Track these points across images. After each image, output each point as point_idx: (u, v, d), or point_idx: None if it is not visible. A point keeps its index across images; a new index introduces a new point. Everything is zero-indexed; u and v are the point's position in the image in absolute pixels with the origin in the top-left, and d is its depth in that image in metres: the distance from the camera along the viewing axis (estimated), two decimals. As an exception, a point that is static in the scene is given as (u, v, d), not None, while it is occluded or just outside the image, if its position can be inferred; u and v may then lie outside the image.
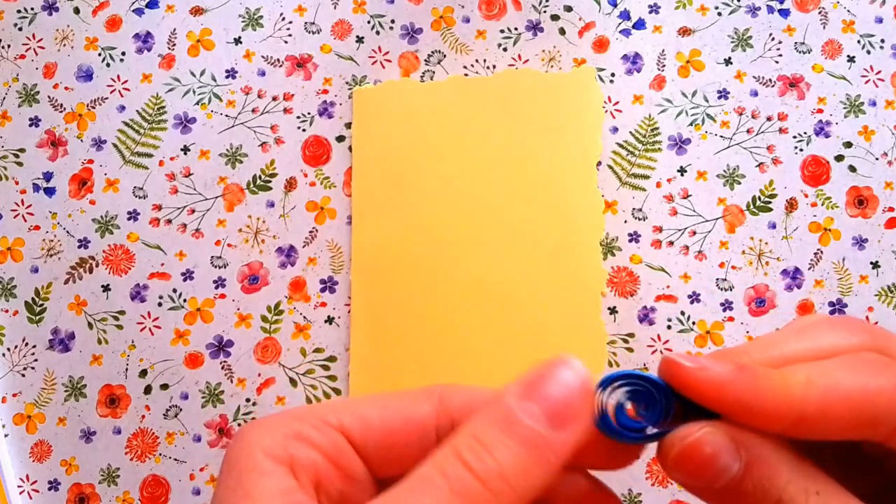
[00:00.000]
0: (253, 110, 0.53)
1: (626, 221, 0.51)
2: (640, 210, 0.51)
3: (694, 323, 0.50)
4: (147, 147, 0.53)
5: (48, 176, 0.53)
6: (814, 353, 0.18)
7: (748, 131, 0.51)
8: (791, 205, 0.51)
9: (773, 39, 0.52)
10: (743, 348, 0.19)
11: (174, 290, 0.52)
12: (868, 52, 0.52)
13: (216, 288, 0.52)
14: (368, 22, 0.54)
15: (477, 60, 0.53)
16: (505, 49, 0.53)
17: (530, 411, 0.16)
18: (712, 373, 0.17)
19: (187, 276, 0.52)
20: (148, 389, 0.51)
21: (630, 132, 0.52)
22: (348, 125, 0.53)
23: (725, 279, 0.50)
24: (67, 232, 0.53)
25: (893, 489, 0.19)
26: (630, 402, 0.18)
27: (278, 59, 0.54)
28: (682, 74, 0.52)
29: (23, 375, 0.52)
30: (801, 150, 0.51)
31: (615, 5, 0.53)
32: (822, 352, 0.18)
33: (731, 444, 0.16)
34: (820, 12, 0.52)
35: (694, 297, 0.50)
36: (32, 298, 0.52)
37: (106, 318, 0.52)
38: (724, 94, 0.52)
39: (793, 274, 0.50)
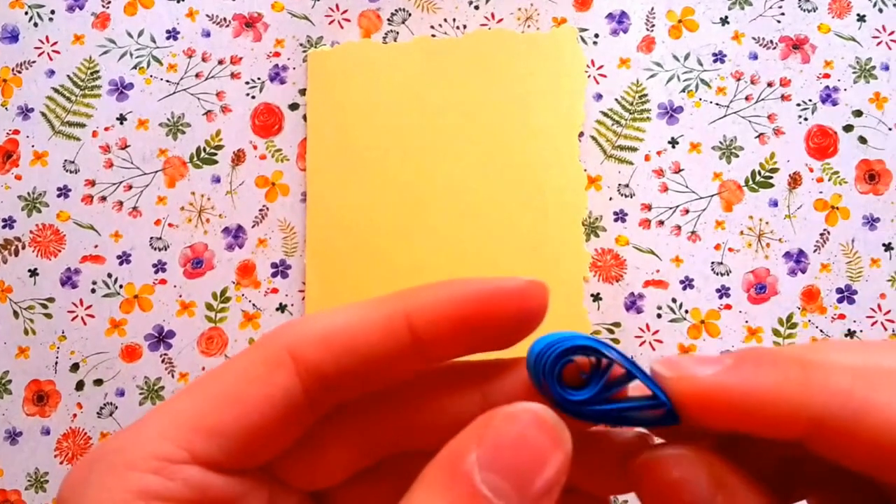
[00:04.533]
0: (196, 75, 0.52)
1: (611, 199, 0.50)
2: (627, 186, 0.50)
3: (686, 311, 0.49)
4: (79, 116, 0.52)
5: (-30, 148, 0.53)
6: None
7: (747, 98, 0.50)
8: (794, 180, 0.50)
9: (774, -4, 0.52)
10: (782, 349, 0.17)
11: (109, 275, 0.51)
12: (880, 10, 0.51)
13: (156, 273, 0.51)
14: (326, -22, 0.53)
15: (445, 20, 0.52)
16: (476, 7, 0.52)
17: (499, 489, 0.14)
18: (697, 379, 0.15)
19: (123, 259, 0.51)
20: (80, 385, 0.50)
21: (615, 99, 0.51)
22: (302, 91, 0.52)
23: (722, 263, 0.49)
24: (-9, 210, 0.52)
25: None
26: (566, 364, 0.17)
27: (225, 18, 0.53)
28: (673, 35, 0.51)
29: (-60, 370, 0.51)
30: (806, 119, 0.50)
31: (600, -41, 0.52)
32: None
33: (709, 479, 0.15)
34: (827, -34, 0.52)
35: (687, 283, 0.49)
36: (-49, 284, 0.52)
37: (33, 306, 0.51)
38: (720, 57, 0.51)
39: (796, 257, 0.49)
